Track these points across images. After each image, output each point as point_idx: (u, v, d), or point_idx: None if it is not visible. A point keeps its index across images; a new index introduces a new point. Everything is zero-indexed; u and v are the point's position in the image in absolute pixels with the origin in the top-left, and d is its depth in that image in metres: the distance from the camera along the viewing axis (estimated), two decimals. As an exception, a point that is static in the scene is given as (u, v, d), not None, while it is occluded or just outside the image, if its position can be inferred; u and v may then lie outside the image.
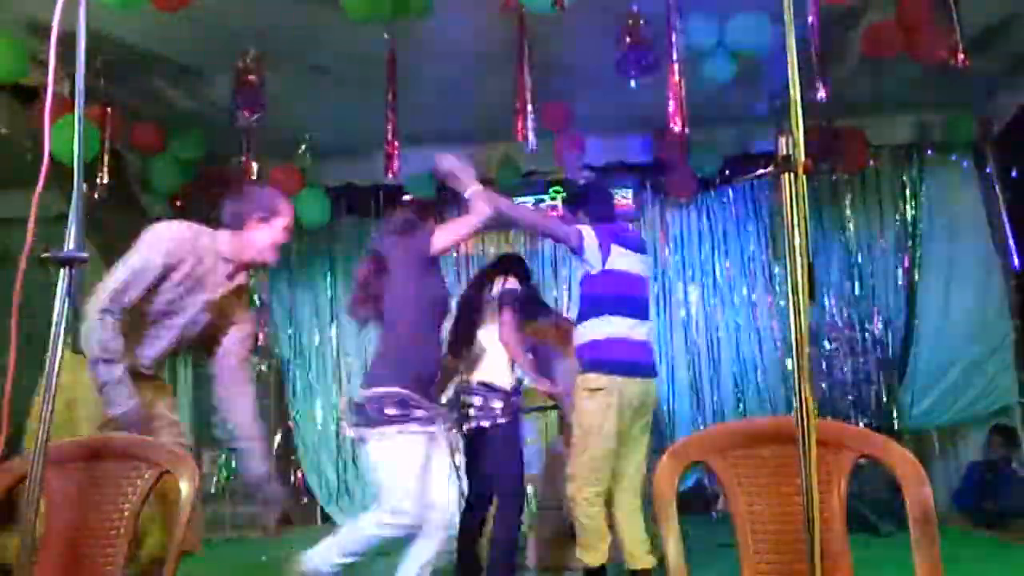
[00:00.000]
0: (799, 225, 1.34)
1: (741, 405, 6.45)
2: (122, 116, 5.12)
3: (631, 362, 3.50)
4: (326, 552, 2.93)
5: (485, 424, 3.68)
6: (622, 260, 3.56)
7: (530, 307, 4.00)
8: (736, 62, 4.51)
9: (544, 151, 5.69)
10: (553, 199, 6.69)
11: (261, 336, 6.73)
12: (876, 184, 6.55)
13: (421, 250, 3.16)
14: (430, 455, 3.03)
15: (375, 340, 3.34)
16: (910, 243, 6.45)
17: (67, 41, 1.51)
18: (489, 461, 3.69)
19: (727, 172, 6.41)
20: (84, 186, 1.49)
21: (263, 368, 6.65)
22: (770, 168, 1.36)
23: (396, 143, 4.76)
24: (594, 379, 3.43)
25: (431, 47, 4.74)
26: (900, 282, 6.44)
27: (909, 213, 6.49)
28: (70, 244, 1.45)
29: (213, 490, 6.40)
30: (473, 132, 5.87)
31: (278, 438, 6.41)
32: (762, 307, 6.55)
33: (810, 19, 4.15)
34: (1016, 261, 6.12)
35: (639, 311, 3.58)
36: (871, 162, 6.34)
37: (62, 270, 1.43)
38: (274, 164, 5.81)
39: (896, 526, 4.83)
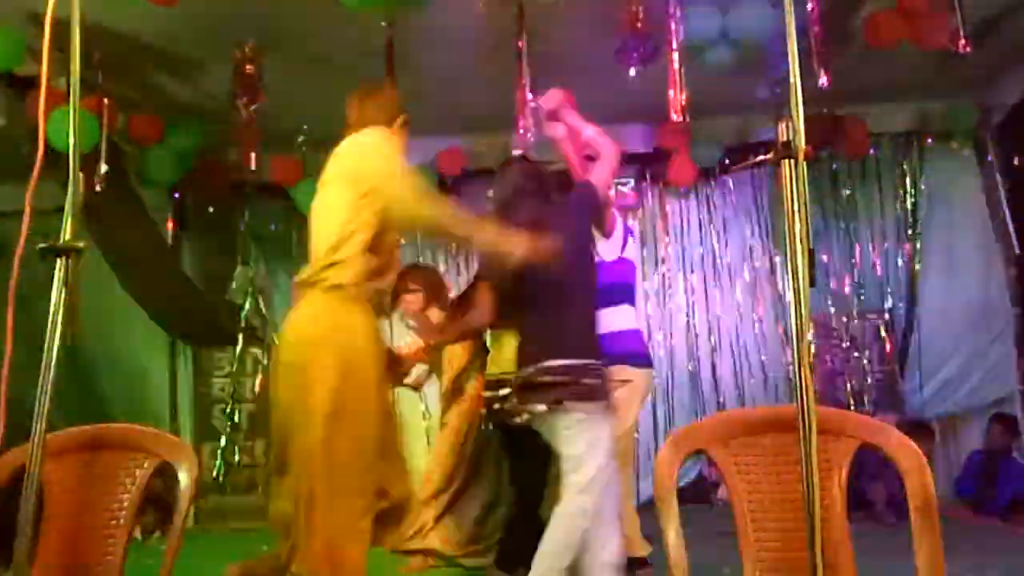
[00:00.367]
0: (799, 212, 1.33)
1: (741, 394, 6.45)
2: (119, 107, 5.10)
3: (646, 354, 3.52)
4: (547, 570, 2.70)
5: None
6: (631, 249, 3.57)
7: None
8: (737, 50, 4.49)
9: (545, 141, 5.70)
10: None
11: (263, 326, 6.74)
12: (877, 172, 6.53)
13: (596, 205, 3.01)
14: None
15: (538, 307, 2.91)
16: (910, 231, 6.43)
17: (64, 32, 1.50)
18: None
19: (727, 161, 6.39)
20: (81, 177, 1.48)
21: (262, 355, 6.65)
22: (770, 155, 1.36)
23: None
24: (618, 371, 3.25)
25: (430, 36, 4.72)
26: (901, 271, 6.43)
27: (909, 201, 6.46)
28: (66, 235, 1.44)
29: (221, 480, 6.42)
30: (473, 122, 5.85)
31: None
32: (763, 295, 6.54)
33: (810, 6, 4.13)
34: (1017, 249, 6.10)
35: (634, 300, 3.60)
36: (872, 150, 6.32)
37: (59, 261, 1.43)
38: (273, 154, 5.81)
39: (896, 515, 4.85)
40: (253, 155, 5.01)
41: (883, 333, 6.41)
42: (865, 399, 6.28)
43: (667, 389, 6.44)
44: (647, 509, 3.54)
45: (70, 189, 1.46)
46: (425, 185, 2.68)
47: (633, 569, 3.48)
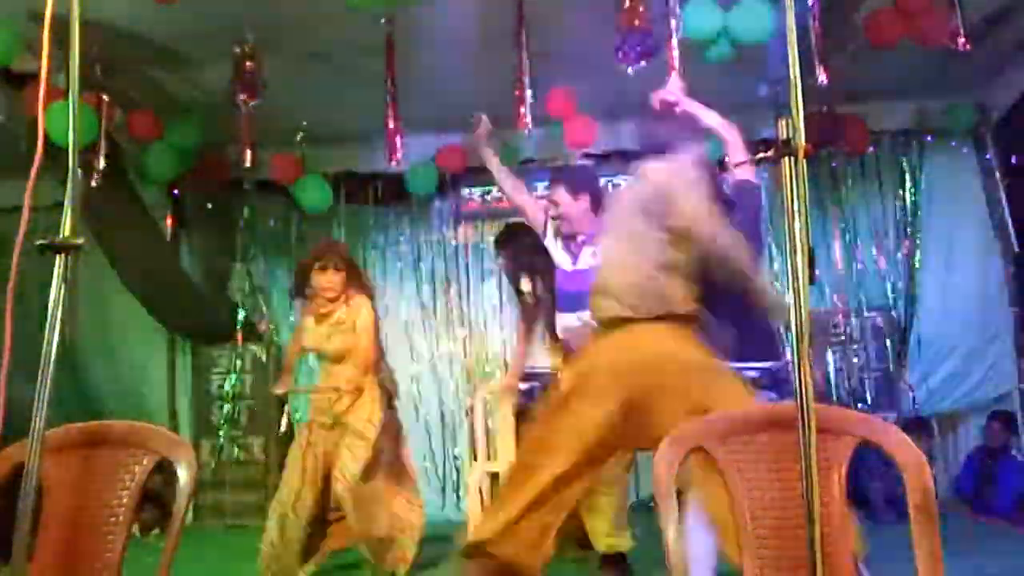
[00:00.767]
0: (799, 209, 1.33)
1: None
2: (119, 104, 5.10)
3: None
4: None
5: None
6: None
7: None
8: (737, 47, 4.48)
9: (543, 138, 5.70)
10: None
11: (262, 323, 6.73)
12: (876, 170, 6.53)
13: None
14: None
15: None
16: (910, 230, 6.43)
17: (62, 29, 1.50)
18: None
19: (727, 158, 6.37)
20: (80, 173, 1.48)
21: (262, 355, 6.64)
22: (770, 152, 1.36)
23: (397, 130, 4.74)
24: None
25: (429, 33, 4.72)
26: (900, 269, 6.43)
27: (909, 199, 6.46)
28: (66, 231, 1.44)
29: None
30: (473, 119, 5.83)
31: (283, 425, 6.40)
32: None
33: (810, 2, 4.13)
34: (1016, 247, 6.10)
35: None
36: (871, 148, 6.32)
37: (58, 257, 1.42)
38: (272, 151, 5.80)
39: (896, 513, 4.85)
40: (249, 153, 5.00)
41: (882, 331, 6.40)
42: (867, 397, 6.28)
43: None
44: (647, 507, 3.58)
45: (69, 185, 1.46)
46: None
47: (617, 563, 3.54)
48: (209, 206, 6.47)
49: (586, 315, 3.27)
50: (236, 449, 6.47)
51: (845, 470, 1.53)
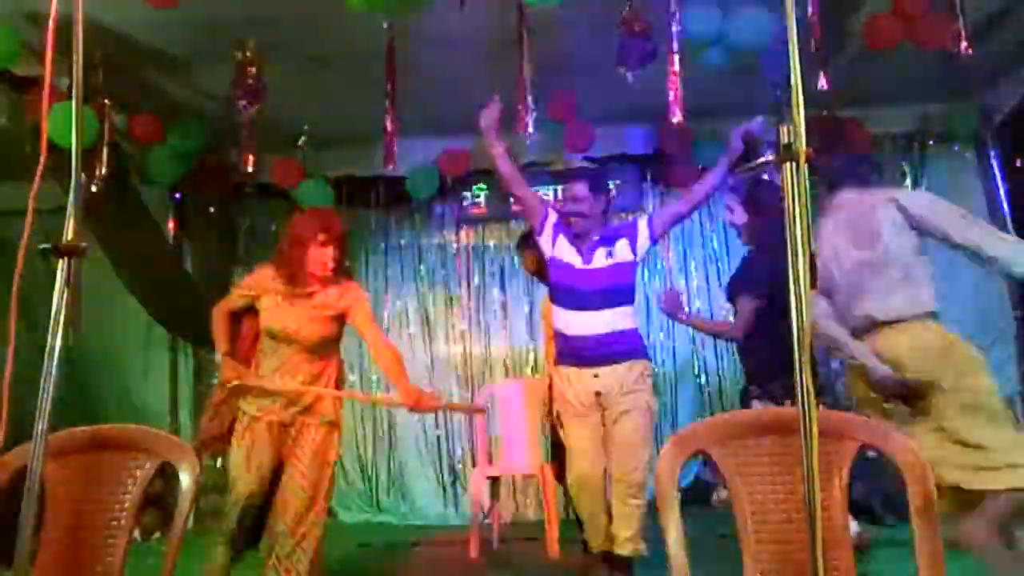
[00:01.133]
0: (801, 214, 1.33)
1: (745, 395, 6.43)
2: (120, 108, 5.10)
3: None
4: None
5: None
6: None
7: None
8: (737, 51, 4.49)
9: (544, 142, 5.70)
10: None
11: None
12: (877, 174, 6.52)
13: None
14: None
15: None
16: (911, 233, 6.41)
17: (64, 32, 1.50)
18: None
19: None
20: (83, 177, 1.48)
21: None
22: (772, 157, 1.36)
23: (394, 135, 4.75)
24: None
25: (431, 37, 4.72)
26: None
27: (910, 203, 6.45)
28: (68, 235, 1.44)
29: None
30: (473, 123, 5.84)
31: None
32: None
33: (810, 8, 4.14)
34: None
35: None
36: (872, 152, 6.31)
37: (61, 261, 1.43)
38: (273, 155, 5.81)
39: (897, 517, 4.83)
40: (251, 157, 5.00)
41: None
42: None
43: (668, 390, 6.44)
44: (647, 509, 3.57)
45: (72, 189, 1.46)
46: None
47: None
48: (211, 210, 6.47)
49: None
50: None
51: (847, 474, 1.54)
